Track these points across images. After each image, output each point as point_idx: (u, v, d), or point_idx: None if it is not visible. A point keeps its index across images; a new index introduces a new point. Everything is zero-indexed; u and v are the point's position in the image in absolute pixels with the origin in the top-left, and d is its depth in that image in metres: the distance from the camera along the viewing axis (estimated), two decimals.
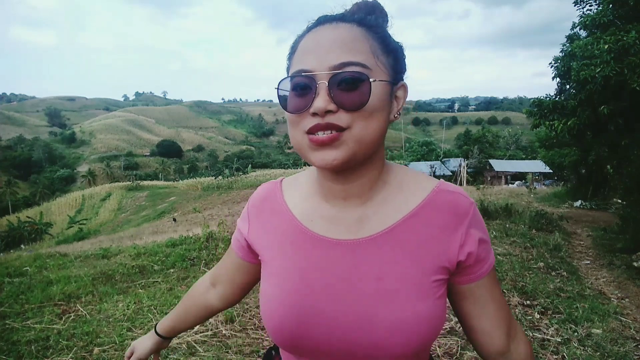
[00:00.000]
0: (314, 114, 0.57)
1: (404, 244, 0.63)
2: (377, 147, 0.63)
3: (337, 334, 0.62)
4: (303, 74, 0.58)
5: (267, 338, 2.79)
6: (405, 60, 0.67)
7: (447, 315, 3.08)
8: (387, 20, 0.67)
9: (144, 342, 0.94)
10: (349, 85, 0.57)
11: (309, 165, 0.64)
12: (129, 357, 0.93)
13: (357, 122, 0.57)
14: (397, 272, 0.62)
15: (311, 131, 0.58)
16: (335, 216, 0.67)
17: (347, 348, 0.62)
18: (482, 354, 0.73)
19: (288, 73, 0.63)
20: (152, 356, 0.97)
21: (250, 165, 58.99)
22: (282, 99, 0.61)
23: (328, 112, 0.57)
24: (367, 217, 0.65)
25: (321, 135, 0.57)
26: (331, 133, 0.57)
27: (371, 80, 0.57)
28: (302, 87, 0.58)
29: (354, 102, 0.57)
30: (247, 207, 0.78)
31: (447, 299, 0.69)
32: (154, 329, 0.95)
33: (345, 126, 0.57)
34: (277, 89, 0.62)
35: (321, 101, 0.56)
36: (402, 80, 0.66)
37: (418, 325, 0.60)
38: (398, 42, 0.65)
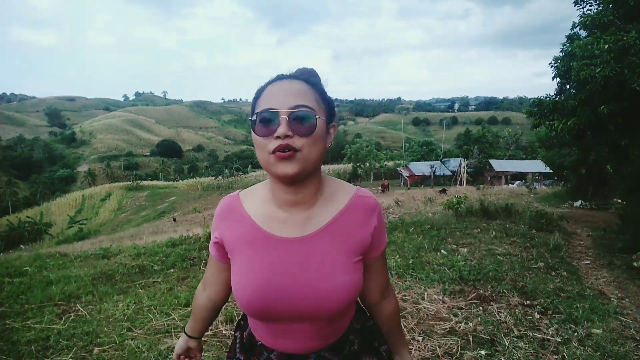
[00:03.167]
0: (277, 137, 0.82)
1: (334, 237, 0.90)
2: (319, 165, 0.90)
3: (291, 304, 0.88)
4: (271, 110, 0.83)
5: None
6: (334, 110, 0.96)
7: (446, 316, 3.09)
8: (320, 80, 0.96)
9: (179, 342, 1.19)
10: (301, 120, 0.83)
11: None
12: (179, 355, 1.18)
13: (306, 146, 0.83)
14: (332, 258, 0.89)
15: (274, 151, 0.82)
16: (286, 219, 0.92)
17: (299, 312, 0.89)
18: (363, 302, 1.08)
19: (254, 109, 0.88)
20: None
21: (250, 165, 58.92)
22: (253, 127, 0.86)
23: (287, 136, 0.81)
24: (309, 219, 0.91)
25: (281, 154, 0.82)
26: (289, 151, 0.82)
27: (317, 117, 0.85)
28: (269, 119, 0.83)
29: (305, 130, 0.83)
30: (214, 219, 1.00)
31: None
32: (184, 332, 1.19)
33: (299, 148, 0.83)
34: (249, 119, 0.88)
35: (283, 129, 0.81)
36: (333, 122, 0.95)
37: (346, 293, 0.89)
38: (330, 97, 0.95)
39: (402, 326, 1.15)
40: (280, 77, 0.90)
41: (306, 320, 0.91)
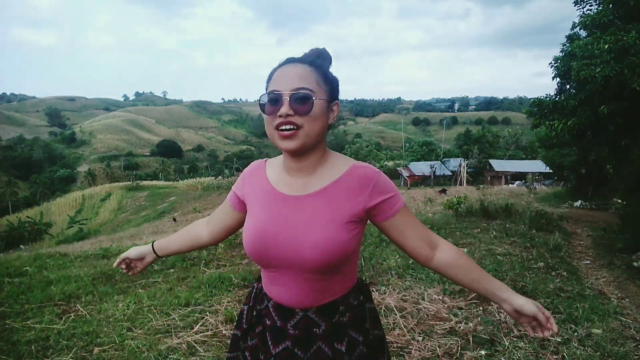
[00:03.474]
0: (280, 116, 0.97)
1: (327, 200, 1.02)
2: (320, 139, 1.03)
3: (278, 250, 1.02)
4: (275, 92, 0.98)
5: None
6: (339, 87, 1.09)
7: (446, 315, 3.09)
8: (330, 61, 1.11)
9: (138, 248, 1.34)
10: (301, 100, 0.96)
11: None
12: (123, 259, 1.33)
13: (306, 123, 0.97)
14: (323, 215, 1.01)
15: (278, 126, 0.98)
16: (291, 182, 1.07)
17: (289, 261, 1.02)
18: (417, 262, 1.11)
19: (266, 90, 1.02)
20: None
21: None
22: (262, 106, 1.01)
23: (288, 115, 0.96)
24: (310, 182, 1.06)
25: (285, 132, 0.98)
26: (291, 130, 0.97)
27: (314, 98, 0.97)
28: (275, 99, 0.98)
29: (304, 109, 0.97)
30: (242, 175, 1.20)
31: (387, 236, 1.10)
32: (151, 243, 1.33)
33: (300, 124, 0.97)
34: (259, 100, 1.02)
35: (285, 108, 0.96)
36: (337, 99, 1.07)
37: (324, 248, 0.98)
38: (334, 77, 1.07)
39: (482, 273, 1.07)
40: (289, 61, 1.04)
41: (294, 269, 1.03)
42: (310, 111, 0.96)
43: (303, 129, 0.97)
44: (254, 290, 1.21)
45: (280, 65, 1.03)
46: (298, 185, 1.06)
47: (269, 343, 1.06)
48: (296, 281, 1.04)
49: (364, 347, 1.08)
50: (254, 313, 1.16)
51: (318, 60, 1.05)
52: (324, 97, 1.01)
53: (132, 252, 1.33)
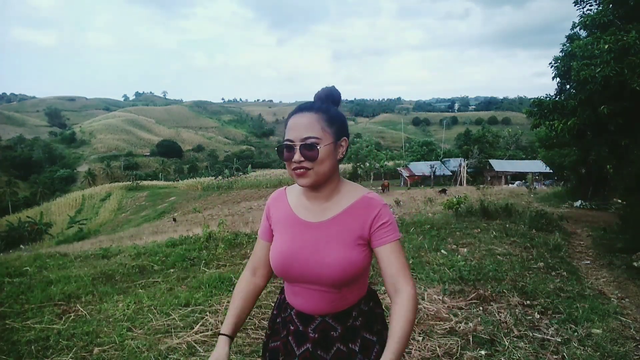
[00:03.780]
0: (294, 161, 1.16)
1: (340, 225, 1.19)
2: (331, 174, 1.20)
3: (302, 268, 1.18)
4: (288, 142, 1.17)
5: None
6: (347, 123, 1.24)
7: (446, 315, 3.08)
8: (338, 99, 1.27)
9: (221, 350, 1.21)
10: (309, 148, 1.14)
11: None
12: None
13: (316, 166, 1.15)
14: (336, 239, 1.17)
15: (294, 169, 1.17)
16: (309, 208, 1.24)
17: (308, 275, 1.18)
18: (387, 291, 1.20)
19: (284, 138, 1.19)
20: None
21: (250, 165, 58.94)
22: (280, 153, 1.19)
23: (301, 161, 1.15)
24: (326, 209, 1.22)
25: (299, 171, 1.16)
26: (303, 170, 1.16)
27: (318, 146, 1.14)
28: (289, 148, 1.16)
29: (311, 156, 1.14)
30: (267, 206, 1.35)
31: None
32: (220, 335, 1.25)
33: (310, 167, 1.15)
34: (277, 148, 1.20)
35: (297, 156, 1.15)
36: (345, 136, 1.22)
37: (340, 266, 1.15)
38: (340, 115, 1.22)
39: (406, 334, 1.09)
40: (299, 109, 1.21)
41: (314, 284, 1.19)
42: (317, 157, 1.14)
43: (313, 170, 1.15)
44: (278, 301, 1.37)
45: (293, 114, 1.21)
46: (316, 211, 1.23)
47: (293, 345, 1.23)
48: (315, 293, 1.20)
49: (379, 347, 1.21)
50: (278, 320, 1.33)
51: (324, 105, 1.21)
52: (330, 141, 1.17)
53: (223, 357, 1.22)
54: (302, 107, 1.19)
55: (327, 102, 1.23)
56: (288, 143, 1.17)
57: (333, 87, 1.25)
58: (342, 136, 1.20)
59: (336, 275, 1.15)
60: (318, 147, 1.13)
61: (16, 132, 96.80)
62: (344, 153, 1.22)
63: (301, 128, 1.15)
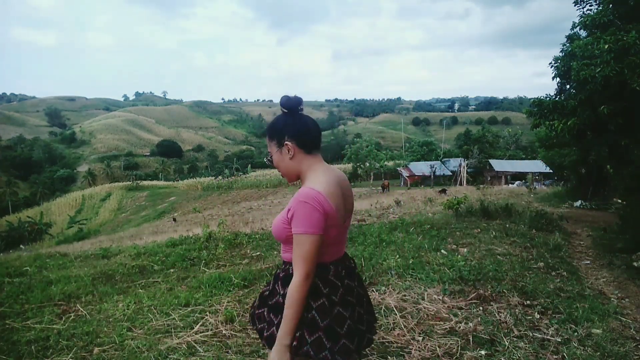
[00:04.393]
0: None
1: (290, 205, 1.40)
2: (296, 170, 1.50)
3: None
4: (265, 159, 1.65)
5: None
6: (286, 126, 1.49)
7: (446, 315, 3.08)
8: (286, 106, 1.51)
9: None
10: (268, 162, 1.59)
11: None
12: None
13: (280, 170, 1.55)
14: (284, 213, 1.43)
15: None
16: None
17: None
18: None
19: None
20: None
21: (250, 165, 58.88)
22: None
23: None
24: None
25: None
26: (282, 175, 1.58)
27: (269, 157, 1.57)
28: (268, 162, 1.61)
29: (273, 166, 1.57)
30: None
31: None
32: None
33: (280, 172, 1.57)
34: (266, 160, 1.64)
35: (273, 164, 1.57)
36: (285, 140, 1.47)
37: (275, 229, 1.47)
38: (277, 124, 1.51)
39: (289, 314, 1.32)
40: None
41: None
42: (274, 165, 1.54)
43: (282, 173, 1.55)
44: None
45: None
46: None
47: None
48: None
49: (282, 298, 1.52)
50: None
51: (269, 123, 1.54)
52: (275, 149, 1.51)
53: None
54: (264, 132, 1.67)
55: (283, 114, 1.51)
56: (266, 160, 1.65)
57: (284, 96, 1.50)
58: (283, 140, 1.48)
59: (275, 233, 1.48)
60: (270, 158, 1.55)
61: (16, 132, 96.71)
62: (292, 153, 1.47)
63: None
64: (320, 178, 1.43)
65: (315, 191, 1.36)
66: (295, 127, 1.47)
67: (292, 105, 1.49)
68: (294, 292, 1.33)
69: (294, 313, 1.33)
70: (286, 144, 1.46)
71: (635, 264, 5.34)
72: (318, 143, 1.51)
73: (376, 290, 3.63)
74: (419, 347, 2.63)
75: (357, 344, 1.48)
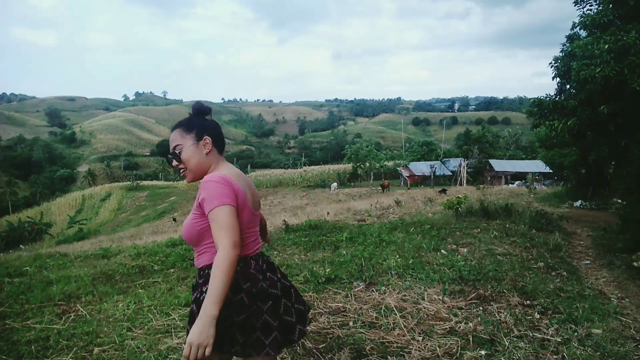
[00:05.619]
0: (176, 168, 1.60)
1: (198, 197, 1.47)
2: (206, 167, 1.56)
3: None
4: (168, 155, 1.60)
5: None
6: (209, 127, 1.60)
7: (446, 315, 3.08)
8: (202, 109, 1.64)
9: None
10: (174, 154, 1.56)
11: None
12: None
13: (187, 165, 1.55)
14: (194, 208, 1.51)
15: (178, 171, 1.60)
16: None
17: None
18: None
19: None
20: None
21: (249, 165, 58.92)
22: (170, 165, 1.61)
23: (176, 165, 1.58)
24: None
25: (182, 174, 1.59)
26: (183, 172, 1.58)
27: (177, 151, 1.55)
28: (169, 160, 1.61)
29: (178, 159, 1.56)
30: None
31: None
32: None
33: (184, 167, 1.57)
34: (168, 155, 1.62)
35: (174, 163, 1.58)
36: (206, 135, 1.56)
37: (184, 228, 1.52)
38: (201, 121, 1.60)
39: (217, 284, 1.29)
40: (172, 129, 1.60)
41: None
42: (179, 159, 1.55)
43: (188, 169, 1.55)
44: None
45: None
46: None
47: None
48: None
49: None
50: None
51: (186, 119, 1.60)
52: (191, 143, 1.54)
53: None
54: (172, 126, 1.59)
55: (196, 115, 1.60)
56: (168, 156, 1.58)
57: (198, 102, 1.64)
58: (202, 136, 1.54)
59: (184, 234, 1.52)
60: (177, 151, 1.53)
61: (16, 132, 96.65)
62: (208, 148, 1.54)
63: (170, 142, 1.57)
64: (225, 170, 1.52)
65: (220, 174, 1.46)
66: (212, 126, 1.60)
67: (206, 110, 1.62)
68: (221, 261, 1.31)
69: (222, 282, 1.30)
70: (205, 139, 1.54)
71: (635, 264, 5.34)
72: (224, 147, 1.65)
73: (376, 290, 3.63)
74: (419, 347, 2.63)
75: (285, 336, 1.53)
